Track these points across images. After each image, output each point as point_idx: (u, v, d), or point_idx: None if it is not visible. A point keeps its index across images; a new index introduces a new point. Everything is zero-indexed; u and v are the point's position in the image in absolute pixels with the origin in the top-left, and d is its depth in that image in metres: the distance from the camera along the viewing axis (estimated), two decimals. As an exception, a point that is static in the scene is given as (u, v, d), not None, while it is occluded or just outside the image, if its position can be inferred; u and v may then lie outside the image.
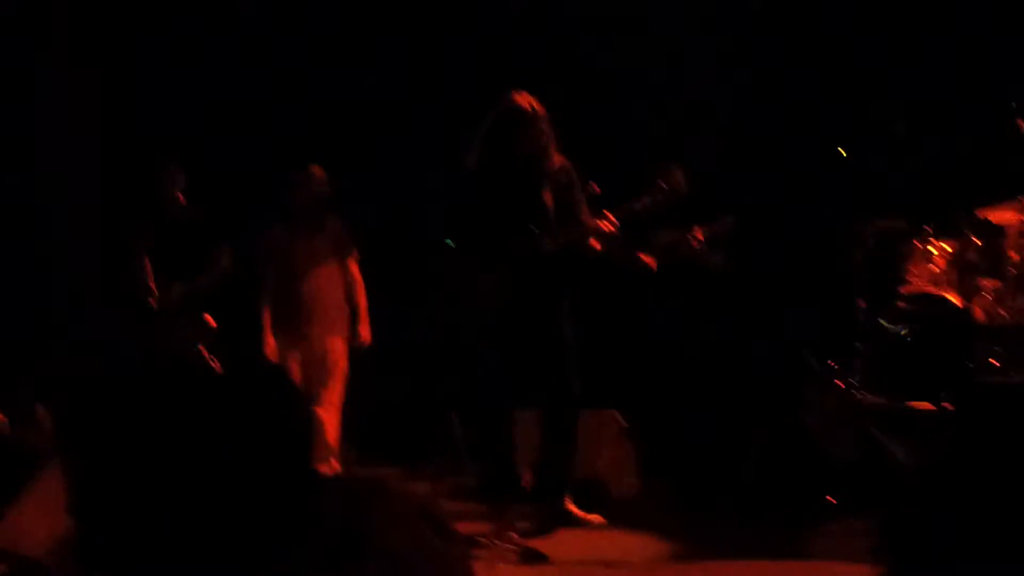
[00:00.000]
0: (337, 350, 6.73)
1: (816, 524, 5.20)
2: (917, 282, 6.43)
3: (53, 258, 7.23)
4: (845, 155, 6.41)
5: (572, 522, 5.31)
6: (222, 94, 7.83)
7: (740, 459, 6.04)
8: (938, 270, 6.35)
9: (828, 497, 5.43)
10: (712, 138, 7.33)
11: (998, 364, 5.87)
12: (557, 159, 5.37)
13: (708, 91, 7.52)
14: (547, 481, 5.39)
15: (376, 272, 6.90)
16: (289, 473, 1.80)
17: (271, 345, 6.66)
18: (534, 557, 4.82)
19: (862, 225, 6.35)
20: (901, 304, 6.27)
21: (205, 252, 6.47)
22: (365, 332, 6.79)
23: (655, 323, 6.95)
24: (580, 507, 5.45)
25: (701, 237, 6.66)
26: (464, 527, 5.11)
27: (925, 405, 5.78)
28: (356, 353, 6.80)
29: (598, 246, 5.31)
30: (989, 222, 6.31)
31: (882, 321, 6.25)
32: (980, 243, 6.22)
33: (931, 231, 6.40)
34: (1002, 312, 6.12)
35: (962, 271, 6.22)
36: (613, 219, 5.25)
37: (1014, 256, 6.18)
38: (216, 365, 6.17)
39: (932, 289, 6.30)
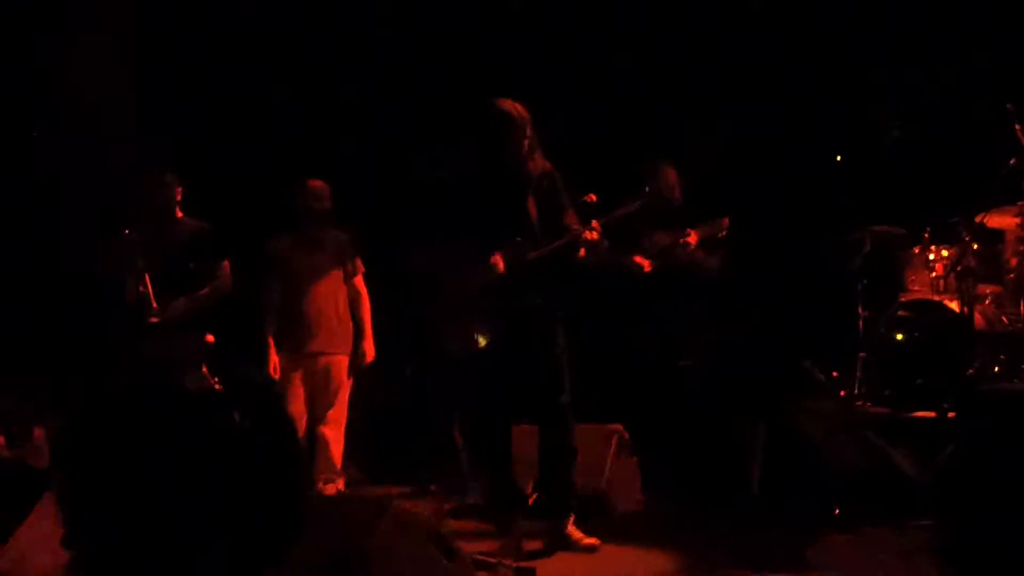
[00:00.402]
0: (341, 367, 6.66)
1: (820, 535, 5.17)
2: (917, 289, 6.43)
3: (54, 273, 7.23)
4: (842, 161, 6.41)
5: (571, 547, 5.23)
6: (222, 101, 7.82)
7: (743, 470, 6.02)
8: (937, 276, 6.35)
9: (832, 507, 5.40)
10: (711, 140, 7.33)
11: (999, 370, 5.86)
12: (541, 164, 5.26)
13: (708, 92, 7.53)
14: (549, 498, 5.34)
15: (372, 284, 6.88)
16: (282, 497, 1.78)
17: (274, 363, 6.60)
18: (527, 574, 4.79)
19: (861, 232, 6.34)
20: (901, 311, 6.26)
21: (206, 266, 6.44)
22: (369, 349, 6.72)
23: (652, 332, 6.93)
24: (583, 523, 5.39)
25: (695, 239, 6.65)
26: (469, 546, 5.10)
27: (927, 413, 5.76)
28: (360, 370, 6.76)
29: (583, 254, 5.22)
30: (987, 228, 6.30)
31: (883, 328, 6.25)
32: (979, 249, 6.21)
33: (930, 237, 6.40)
34: (1003, 318, 6.11)
35: (961, 277, 6.20)
36: (598, 226, 5.15)
37: (1013, 262, 6.18)
38: (216, 385, 6.13)
39: (932, 295, 6.30)
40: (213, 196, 6.85)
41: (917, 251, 6.46)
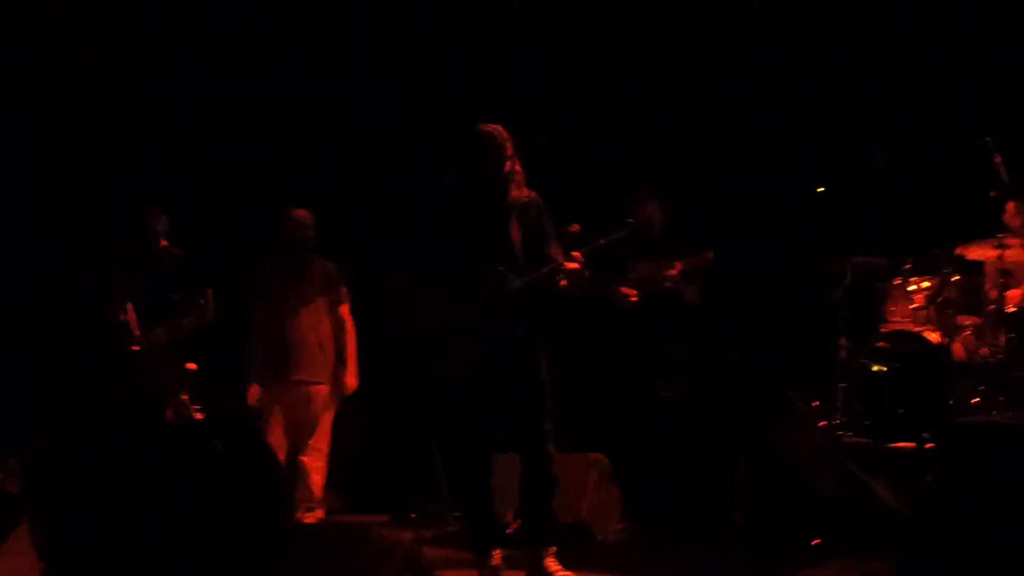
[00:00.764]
0: (323, 396, 6.65)
1: (801, 565, 5.16)
2: (897, 320, 6.45)
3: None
4: (823, 192, 6.43)
5: None
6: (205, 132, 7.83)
7: (725, 500, 6.01)
8: (917, 307, 6.38)
9: (812, 536, 5.39)
10: (699, 168, 7.36)
11: (978, 402, 5.89)
12: (525, 192, 5.17)
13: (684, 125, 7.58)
14: (529, 527, 5.30)
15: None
16: (259, 525, 1.78)
17: (254, 393, 6.59)
18: None
19: (842, 263, 6.36)
20: (882, 342, 6.28)
21: (189, 295, 6.42)
22: (351, 380, 6.71)
23: (633, 361, 6.93)
24: (564, 552, 5.35)
25: (678, 271, 6.68)
26: (448, 575, 5.07)
27: (906, 444, 5.78)
28: (342, 400, 6.74)
29: (564, 283, 5.17)
30: (967, 259, 6.34)
31: (863, 359, 6.26)
32: (959, 280, 6.25)
33: (910, 269, 6.43)
34: (982, 350, 6.14)
35: (941, 309, 6.23)
36: (580, 256, 5.10)
37: (993, 294, 6.21)
38: (198, 413, 6.12)
39: (912, 327, 6.32)
40: (199, 223, 6.86)
41: (898, 282, 6.48)
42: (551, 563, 5.07)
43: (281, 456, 6.30)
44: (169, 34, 7.85)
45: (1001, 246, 6.02)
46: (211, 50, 7.89)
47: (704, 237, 6.81)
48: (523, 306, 5.07)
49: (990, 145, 6.00)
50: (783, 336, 7.09)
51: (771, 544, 5.54)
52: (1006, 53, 6.79)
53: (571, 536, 5.72)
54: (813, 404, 6.39)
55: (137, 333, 6.23)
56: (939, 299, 6.20)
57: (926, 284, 6.35)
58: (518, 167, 5.15)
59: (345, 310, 6.77)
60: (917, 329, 6.25)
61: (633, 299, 6.73)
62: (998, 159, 6.00)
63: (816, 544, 5.32)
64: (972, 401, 5.89)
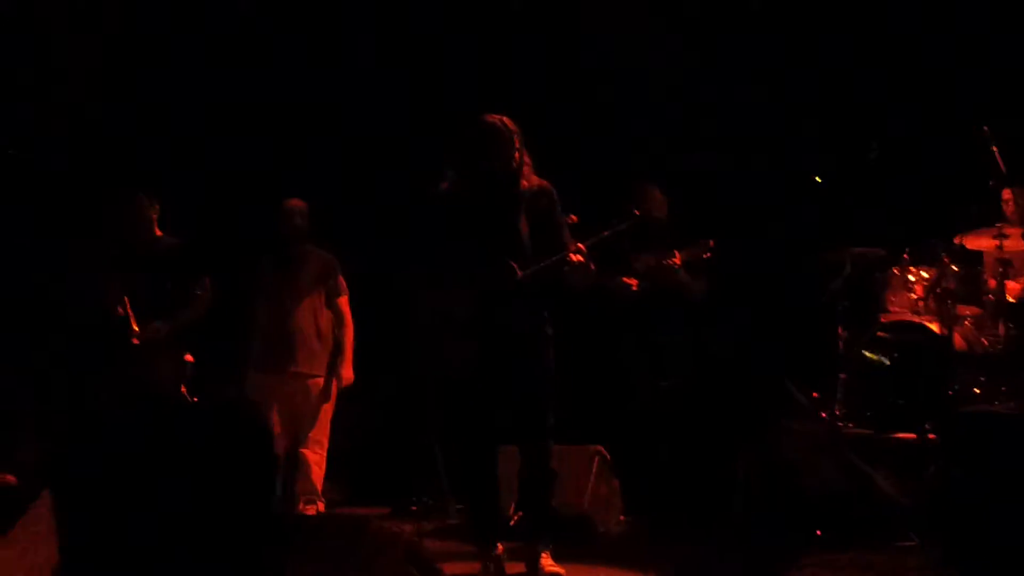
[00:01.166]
0: (321, 388, 6.65)
1: (802, 557, 5.17)
2: (897, 310, 6.46)
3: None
4: (820, 182, 6.43)
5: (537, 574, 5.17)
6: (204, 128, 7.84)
7: (725, 492, 6.02)
8: (917, 298, 6.38)
9: (814, 529, 5.40)
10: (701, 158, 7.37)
11: (979, 392, 5.89)
12: (535, 181, 5.12)
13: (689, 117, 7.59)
14: (528, 520, 5.30)
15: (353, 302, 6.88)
16: (257, 514, 1.79)
17: (253, 384, 6.59)
18: None
19: (841, 253, 6.37)
20: (881, 333, 6.29)
21: (185, 284, 6.43)
22: (347, 372, 6.70)
23: (634, 353, 6.94)
24: (564, 545, 5.34)
25: (679, 260, 6.69)
26: (449, 567, 5.08)
27: (907, 435, 5.78)
28: (341, 391, 6.74)
29: (570, 275, 5.12)
30: (967, 249, 6.35)
31: (863, 350, 6.27)
32: (958, 270, 6.25)
33: (909, 259, 6.43)
34: (982, 340, 6.14)
35: (941, 298, 6.23)
36: (584, 248, 5.07)
37: (992, 283, 6.22)
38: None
39: (912, 317, 6.32)
40: (199, 223, 6.87)
41: (897, 272, 6.48)
42: (546, 559, 5.06)
43: (281, 449, 6.33)
44: (169, 34, 7.85)
45: (1000, 236, 6.03)
46: (211, 50, 7.89)
47: (705, 226, 6.82)
48: (530, 298, 5.04)
49: (988, 134, 6.01)
50: (783, 329, 7.10)
51: (771, 540, 5.55)
52: (1006, 52, 6.81)
53: (573, 528, 5.74)
54: (813, 396, 6.40)
55: (136, 327, 6.24)
56: (938, 289, 6.20)
57: (925, 274, 6.35)
58: (527, 159, 5.11)
59: (343, 302, 6.77)
60: (917, 319, 6.25)
61: (634, 289, 6.75)
62: (996, 149, 6.01)
63: (818, 536, 5.34)
64: (972, 391, 5.90)
